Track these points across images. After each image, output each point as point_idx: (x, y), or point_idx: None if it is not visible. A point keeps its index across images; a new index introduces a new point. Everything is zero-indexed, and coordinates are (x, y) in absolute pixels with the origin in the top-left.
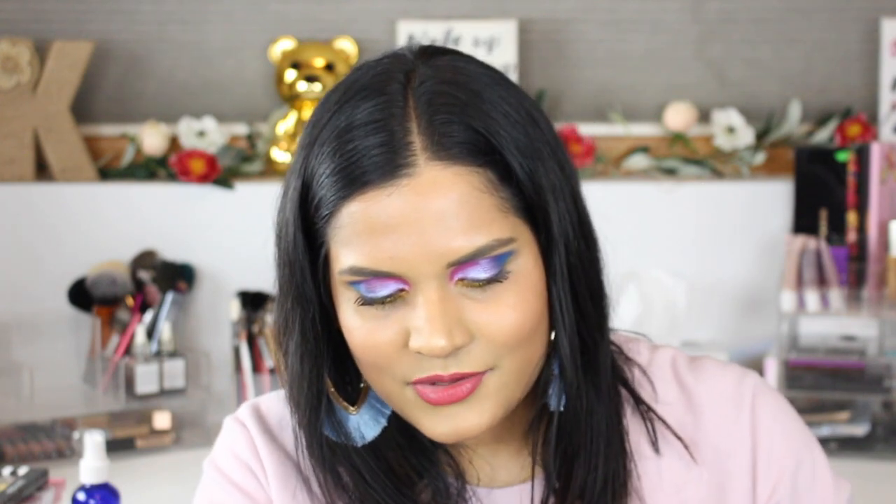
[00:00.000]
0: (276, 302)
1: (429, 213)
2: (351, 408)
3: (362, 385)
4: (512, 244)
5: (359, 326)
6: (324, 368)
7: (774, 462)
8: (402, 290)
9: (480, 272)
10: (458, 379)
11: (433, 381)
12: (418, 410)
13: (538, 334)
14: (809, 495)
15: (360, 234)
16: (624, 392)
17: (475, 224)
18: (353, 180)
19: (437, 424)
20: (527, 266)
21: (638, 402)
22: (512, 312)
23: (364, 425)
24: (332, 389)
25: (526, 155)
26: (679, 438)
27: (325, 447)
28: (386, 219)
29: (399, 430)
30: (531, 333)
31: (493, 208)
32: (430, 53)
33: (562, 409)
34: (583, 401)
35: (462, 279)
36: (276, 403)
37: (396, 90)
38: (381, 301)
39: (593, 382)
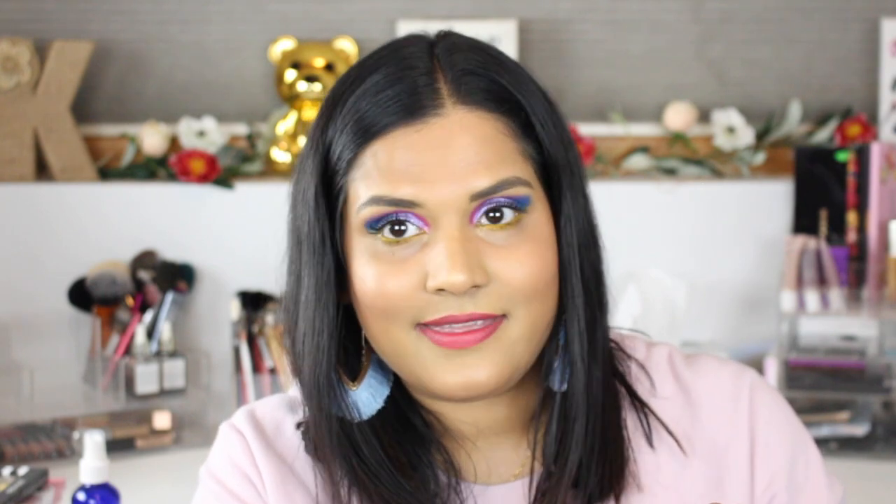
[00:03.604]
0: (286, 279)
1: (454, 148)
2: (351, 383)
3: (363, 362)
4: (531, 189)
5: (372, 272)
6: (335, 333)
7: (771, 455)
8: (421, 231)
9: (500, 211)
10: (472, 320)
11: (447, 322)
12: (429, 362)
13: (550, 293)
14: (804, 489)
15: (382, 169)
16: (620, 388)
17: (498, 160)
18: (376, 123)
19: (449, 374)
20: (541, 223)
21: (633, 397)
22: (529, 259)
23: (362, 403)
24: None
25: (544, 118)
26: (670, 433)
27: (333, 419)
28: (412, 154)
29: (396, 416)
30: (545, 288)
31: (515, 151)
32: (448, 33)
33: (564, 387)
34: (583, 372)
35: (481, 221)
36: (271, 409)
37: (419, 50)
38: (400, 241)
39: (593, 358)
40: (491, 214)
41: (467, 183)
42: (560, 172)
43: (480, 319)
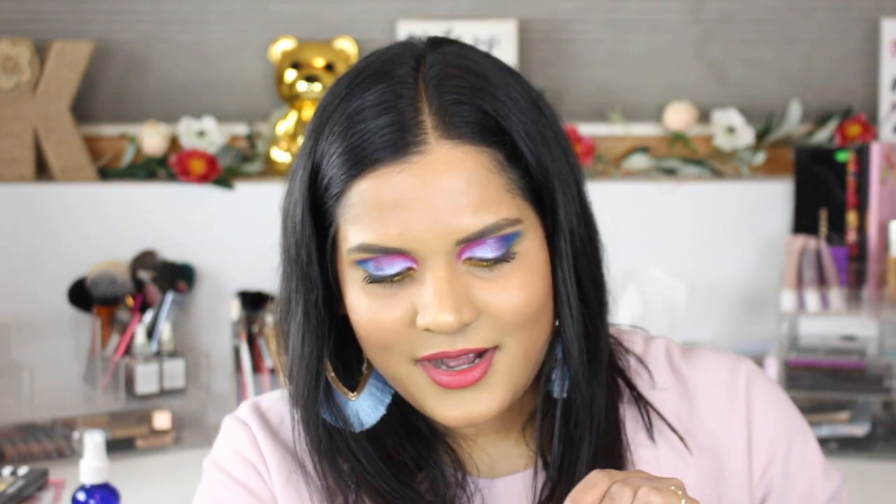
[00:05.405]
0: (280, 286)
1: (439, 190)
2: (350, 394)
3: (363, 371)
4: (519, 225)
5: (365, 305)
6: (324, 351)
7: (767, 442)
8: (410, 268)
9: (488, 251)
10: (464, 355)
11: (440, 358)
12: (428, 395)
13: (543, 317)
14: (800, 475)
15: (369, 211)
16: (620, 383)
17: (484, 203)
18: (364, 158)
19: (449, 409)
20: (533, 248)
21: (634, 392)
22: (518, 291)
23: (363, 412)
24: (332, 374)
25: (533, 139)
26: (674, 431)
27: (321, 430)
28: (396, 196)
29: (399, 419)
30: (537, 314)
31: (501, 188)
32: (439, 42)
33: (565, 395)
34: (585, 387)
35: (470, 258)
36: (275, 402)
37: (407, 73)
38: (390, 279)
39: (594, 369)
40: (478, 255)
41: (452, 228)
42: (552, 190)
43: (473, 353)
